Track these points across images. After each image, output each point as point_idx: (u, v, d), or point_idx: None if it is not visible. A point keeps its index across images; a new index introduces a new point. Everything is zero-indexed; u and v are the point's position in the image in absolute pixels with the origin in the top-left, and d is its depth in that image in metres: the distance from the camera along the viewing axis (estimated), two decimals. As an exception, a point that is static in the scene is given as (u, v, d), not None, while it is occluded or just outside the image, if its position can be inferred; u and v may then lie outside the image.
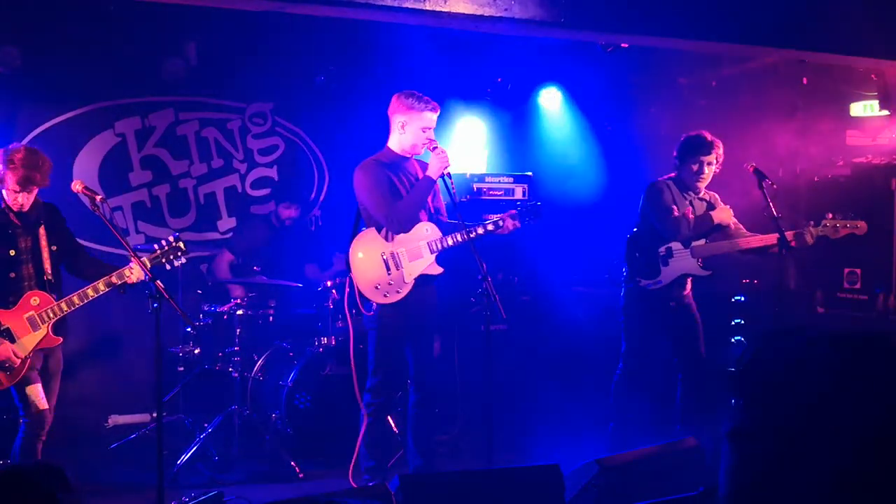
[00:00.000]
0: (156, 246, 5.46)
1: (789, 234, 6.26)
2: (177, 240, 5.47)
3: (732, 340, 8.30)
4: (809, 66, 8.19)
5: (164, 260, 5.42)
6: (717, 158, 6.55)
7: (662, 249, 6.60)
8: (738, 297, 8.41)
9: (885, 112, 8.17)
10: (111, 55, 7.61)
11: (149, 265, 5.27)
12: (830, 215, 6.31)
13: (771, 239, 6.33)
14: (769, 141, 8.20)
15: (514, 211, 5.87)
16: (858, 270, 7.88)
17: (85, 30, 7.31)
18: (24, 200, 5.39)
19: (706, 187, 6.69)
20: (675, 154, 6.67)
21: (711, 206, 6.70)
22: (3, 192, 5.40)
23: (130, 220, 8.07)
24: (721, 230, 6.59)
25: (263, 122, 8.61)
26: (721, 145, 6.56)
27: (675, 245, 6.56)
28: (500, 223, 5.80)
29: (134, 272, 5.28)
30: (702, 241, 6.55)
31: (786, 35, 6.81)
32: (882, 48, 7.05)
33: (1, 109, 7.47)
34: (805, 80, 8.43)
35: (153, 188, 8.17)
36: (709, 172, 6.57)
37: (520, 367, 7.65)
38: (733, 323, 8.34)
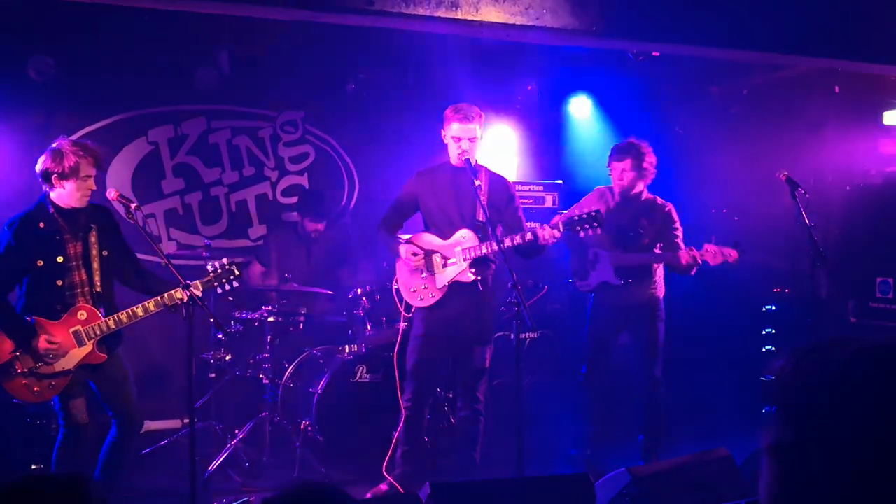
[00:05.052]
0: (209, 268, 5.40)
1: (684, 254, 6.30)
2: (231, 263, 5.42)
3: (763, 350, 8.26)
4: (842, 75, 8.16)
5: (216, 284, 5.38)
6: (632, 164, 6.50)
7: (591, 254, 6.64)
8: (769, 307, 8.36)
9: (918, 121, 8.13)
10: (144, 64, 7.69)
11: (201, 288, 5.24)
12: (713, 239, 6.32)
13: (679, 259, 6.32)
14: (801, 149, 8.16)
15: (556, 219, 5.77)
16: (891, 279, 7.81)
17: (118, 39, 7.38)
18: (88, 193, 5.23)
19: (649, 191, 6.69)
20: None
21: (651, 209, 6.65)
22: (53, 194, 5.19)
23: (163, 227, 8.13)
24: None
25: (294, 131, 8.64)
26: (644, 151, 6.52)
27: (602, 252, 6.57)
28: (537, 232, 5.58)
29: (185, 293, 5.09)
30: (619, 251, 6.56)
31: (818, 44, 6.79)
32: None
33: (36, 118, 7.53)
34: (837, 89, 8.40)
35: (185, 196, 8.22)
36: (625, 178, 6.54)
37: (549, 375, 7.63)
38: (764, 332, 8.31)
